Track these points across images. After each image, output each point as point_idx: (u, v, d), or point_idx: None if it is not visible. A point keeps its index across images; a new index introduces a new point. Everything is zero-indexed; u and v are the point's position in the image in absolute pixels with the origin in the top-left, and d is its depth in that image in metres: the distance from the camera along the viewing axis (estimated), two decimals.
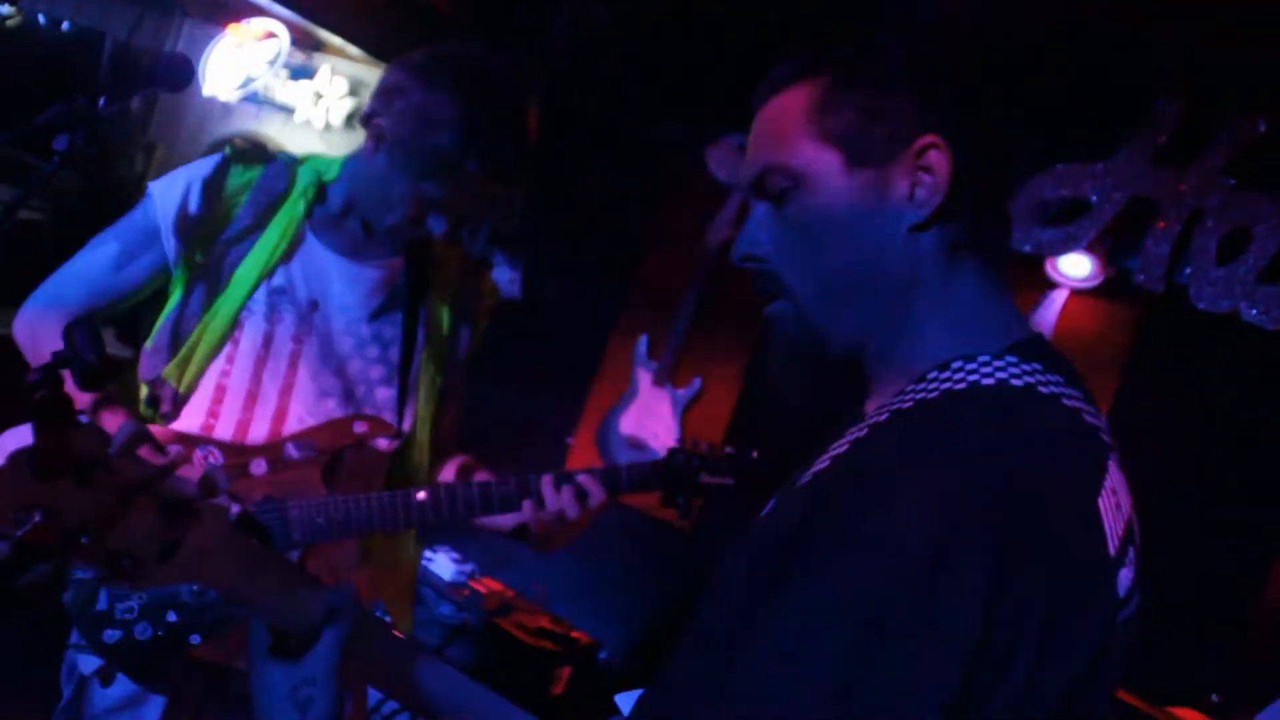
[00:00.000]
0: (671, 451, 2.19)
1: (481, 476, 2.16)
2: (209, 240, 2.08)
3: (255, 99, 6.15)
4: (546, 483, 2.04)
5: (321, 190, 2.15)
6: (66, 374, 0.98)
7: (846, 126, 1.11)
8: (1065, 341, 4.11)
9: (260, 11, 5.84)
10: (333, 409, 2.12)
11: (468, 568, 4.88)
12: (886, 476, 0.95)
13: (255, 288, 2.07)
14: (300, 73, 6.11)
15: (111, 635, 1.93)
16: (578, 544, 2.10)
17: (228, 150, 2.17)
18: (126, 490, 1.01)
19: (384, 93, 2.04)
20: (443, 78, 1.99)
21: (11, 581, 0.95)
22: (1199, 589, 3.59)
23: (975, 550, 0.88)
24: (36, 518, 0.95)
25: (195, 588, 1.92)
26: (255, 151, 2.20)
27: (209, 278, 2.07)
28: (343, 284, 2.14)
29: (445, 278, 2.27)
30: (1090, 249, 3.99)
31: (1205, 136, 3.77)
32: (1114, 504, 1.01)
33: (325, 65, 6.10)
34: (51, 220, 5.20)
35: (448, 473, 2.33)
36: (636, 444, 5.01)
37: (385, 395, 2.18)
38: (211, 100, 6.16)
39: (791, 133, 1.14)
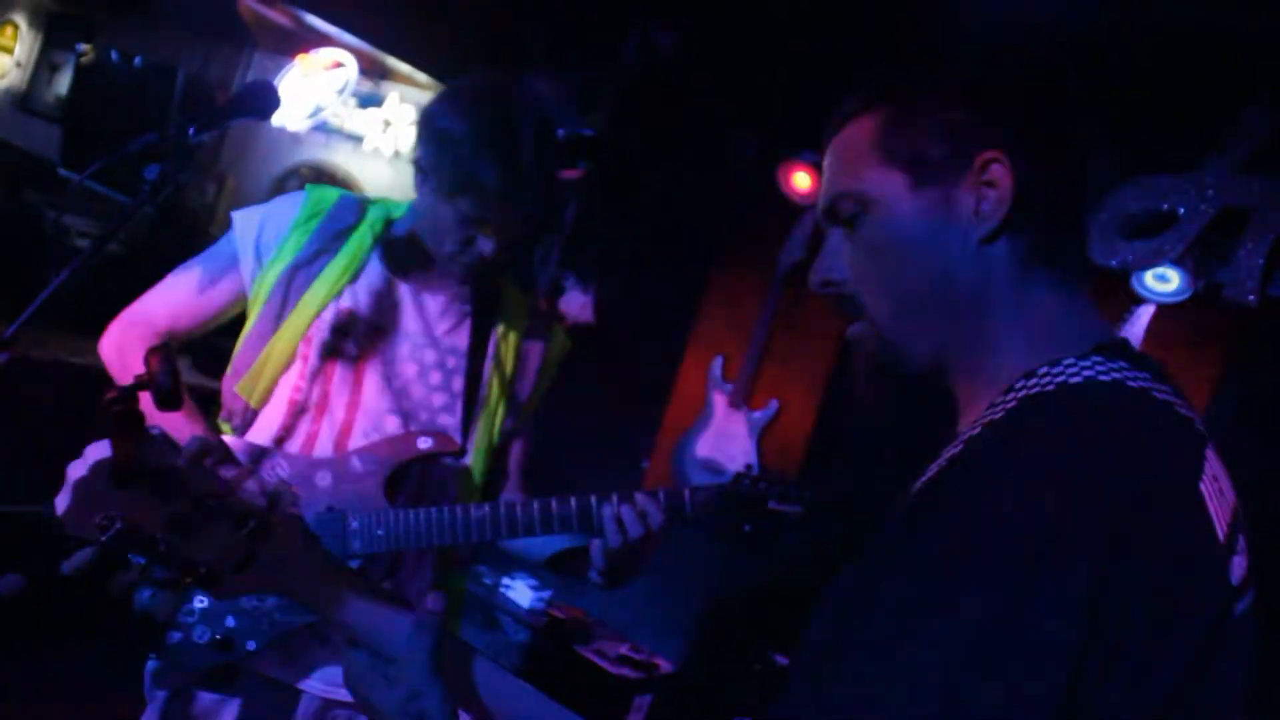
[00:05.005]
0: (738, 476, 2.15)
1: None
2: (281, 265, 2.16)
3: (324, 128, 6.22)
4: (608, 505, 2.04)
5: (388, 225, 2.25)
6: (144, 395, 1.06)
7: (908, 148, 1.14)
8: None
9: (329, 41, 5.91)
10: (395, 428, 2.17)
11: (546, 594, 4.85)
12: (983, 481, 0.96)
13: (323, 308, 2.15)
14: (369, 101, 6.17)
15: (173, 637, 2.02)
16: (657, 571, 2.04)
17: (305, 186, 2.28)
18: (198, 500, 1.09)
19: (417, 129, 2.17)
20: (456, 102, 2.11)
21: (100, 583, 1.06)
22: None
23: (1077, 545, 0.88)
24: (119, 524, 1.03)
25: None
26: (330, 186, 2.32)
27: (280, 299, 2.15)
28: (407, 309, 2.22)
29: (513, 321, 2.31)
30: (1178, 262, 3.87)
31: None
32: (1217, 490, 1.00)
33: (394, 93, 6.15)
34: (127, 250, 5.27)
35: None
36: (713, 468, 4.95)
37: (447, 423, 2.22)
38: (281, 130, 6.24)
39: (858, 160, 1.18)
